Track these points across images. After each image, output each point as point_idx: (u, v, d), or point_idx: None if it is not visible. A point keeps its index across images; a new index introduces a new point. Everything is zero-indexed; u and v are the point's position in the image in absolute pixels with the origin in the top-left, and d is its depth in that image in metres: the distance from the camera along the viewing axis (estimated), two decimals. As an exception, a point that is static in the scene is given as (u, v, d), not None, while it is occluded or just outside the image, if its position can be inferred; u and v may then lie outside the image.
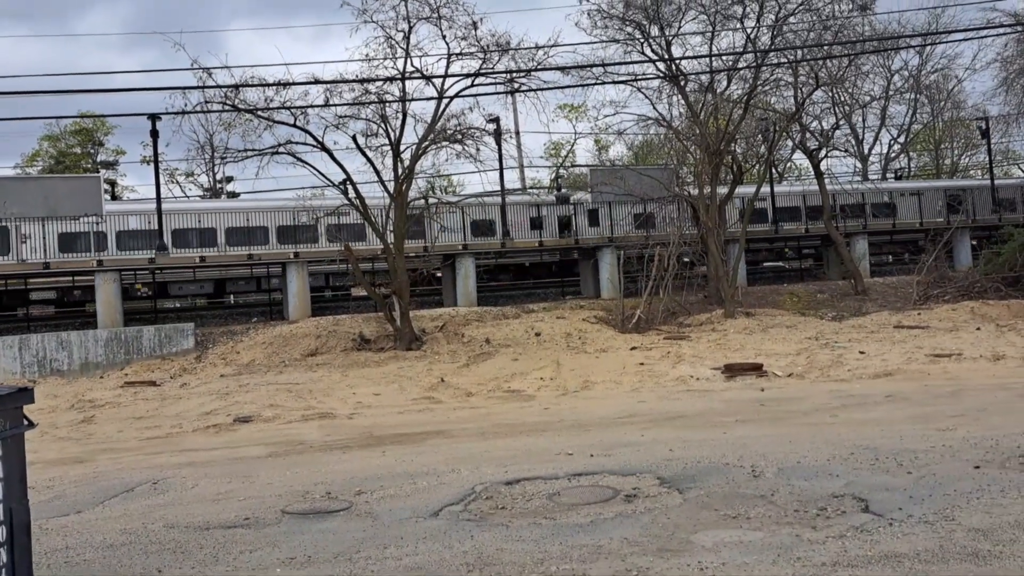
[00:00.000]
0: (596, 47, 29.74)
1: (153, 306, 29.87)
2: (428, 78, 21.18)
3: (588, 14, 24.91)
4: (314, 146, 20.80)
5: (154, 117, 23.26)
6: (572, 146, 53.23)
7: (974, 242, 34.25)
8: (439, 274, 29.26)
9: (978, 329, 19.35)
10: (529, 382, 16.15)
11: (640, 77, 25.76)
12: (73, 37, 73.92)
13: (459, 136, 21.54)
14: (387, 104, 21.03)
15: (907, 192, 34.62)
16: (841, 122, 31.86)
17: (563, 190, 31.93)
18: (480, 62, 21.20)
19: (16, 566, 4.25)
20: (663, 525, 6.10)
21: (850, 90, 29.08)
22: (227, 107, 20.48)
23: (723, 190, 26.97)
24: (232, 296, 32.82)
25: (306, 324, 22.85)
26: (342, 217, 23.46)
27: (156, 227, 24.41)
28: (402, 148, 21.40)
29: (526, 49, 21.41)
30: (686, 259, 24.33)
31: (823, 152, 30.61)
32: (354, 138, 21.07)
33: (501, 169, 27.48)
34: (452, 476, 8.13)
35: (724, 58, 26.54)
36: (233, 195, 43.23)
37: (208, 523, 6.94)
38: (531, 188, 45.32)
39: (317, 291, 29.98)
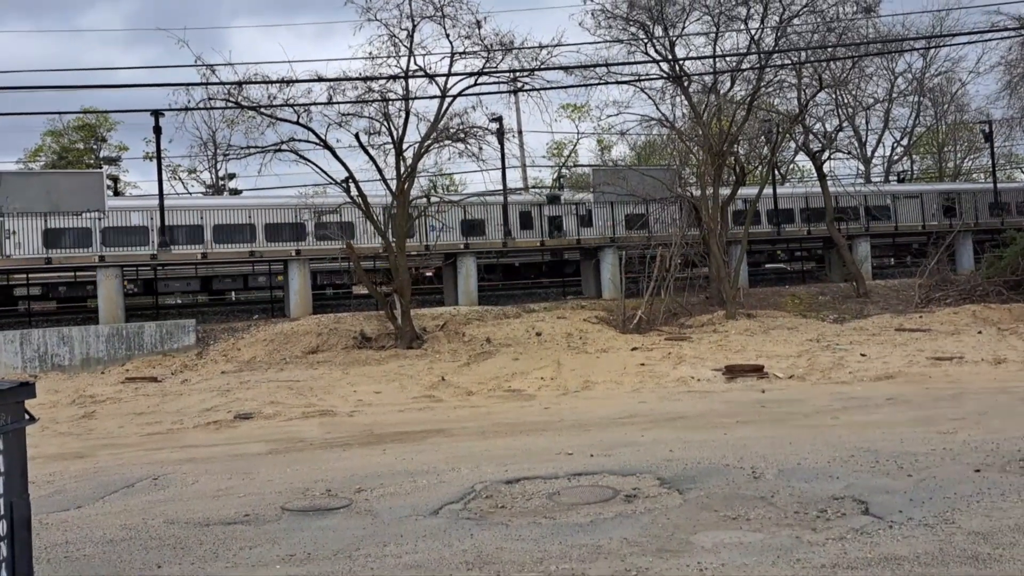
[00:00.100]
0: (600, 47, 29.85)
1: (155, 302, 29.90)
2: (431, 77, 21.19)
3: (592, 14, 24.92)
4: (317, 144, 20.82)
5: (157, 113, 23.27)
6: (575, 146, 53.31)
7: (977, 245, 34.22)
8: (429, 273, 29.25)
9: (979, 333, 19.34)
10: (530, 382, 16.15)
11: (643, 77, 25.76)
12: (76, 33, 74.02)
13: (462, 135, 21.55)
14: (390, 102, 21.03)
15: (909, 195, 34.59)
16: (844, 124, 31.81)
17: (553, 191, 31.84)
18: (483, 61, 21.24)
19: (16, 560, 4.25)
20: (663, 525, 6.10)
21: (853, 92, 29.07)
22: (230, 104, 20.48)
23: (725, 191, 26.96)
24: (225, 294, 32.91)
25: (307, 322, 22.87)
26: (332, 216, 23.50)
27: (158, 223, 24.45)
28: (405, 146, 21.41)
29: (530, 48, 21.44)
30: (677, 260, 24.26)
31: (826, 154, 30.59)
32: (357, 136, 21.09)
33: (504, 168, 27.48)
34: (452, 475, 8.13)
35: (728, 59, 26.52)
36: (235, 192, 43.22)
37: (208, 519, 6.94)
38: (533, 188, 45.32)
39: (319, 289, 30.03)
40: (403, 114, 21.13)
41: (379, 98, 20.85)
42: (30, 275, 27.75)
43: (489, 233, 27.14)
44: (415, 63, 20.82)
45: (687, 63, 25.73)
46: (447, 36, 20.73)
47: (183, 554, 6.02)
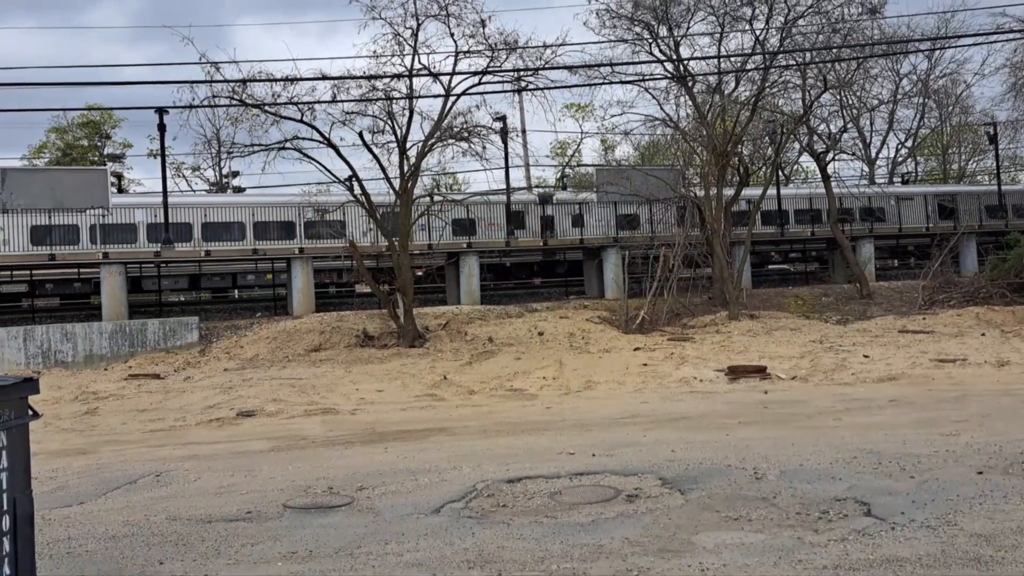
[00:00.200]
0: (604, 47, 29.77)
1: (158, 299, 29.97)
2: (435, 75, 21.19)
3: (596, 13, 24.91)
4: (320, 142, 20.84)
5: (161, 111, 23.29)
6: (578, 145, 53.21)
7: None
8: (420, 273, 29.18)
9: (983, 335, 19.31)
10: (532, 381, 16.15)
11: (648, 77, 25.74)
12: (81, 30, 74.11)
13: (465, 134, 21.56)
14: (394, 101, 21.05)
15: (913, 196, 34.51)
16: (849, 125, 31.78)
17: (545, 191, 31.75)
18: (488, 60, 21.25)
19: (19, 556, 4.26)
20: (664, 526, 6.10)
21: (858, 93, 29.04)
22: (234, 102, 20.51)
23: (729, 192, 26.93)
24: (217, 292, 32.98)
25: (310, 320, 22.89)
26: (335, 214, 23.51)
27: (161, 220, 24.48)
28: (408, 145, 21.43)
29: (534, 48, 21.44)
30: (679, 260, 24.22)
31: (830, 155, 30.54)
32: (360, 135, 21.11)
33: (507, 168, 27.48)
34: (454, 473, 8.13)
35: (732, 59, 26.49)
36: (239, 190, 43.28)
37: (210, 516, 6.95)
38: (537, 187, 45.29)
39: (322, 287, 30.07)
40: (407, 113, 21.15)
41: (383, 97, 20.87)
42: (33, 271, 27.83)
43: (480, 233, 26.96)
44: (419, 62, 20.87)
45: (691, 63, 25.72)
46: (451, 35, 20.77)
47: (185, 551, 6.03)
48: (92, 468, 9.67)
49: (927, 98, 45.42)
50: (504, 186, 27.65)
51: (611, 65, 24.62)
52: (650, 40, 25.18)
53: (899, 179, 46.31)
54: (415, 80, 21.11)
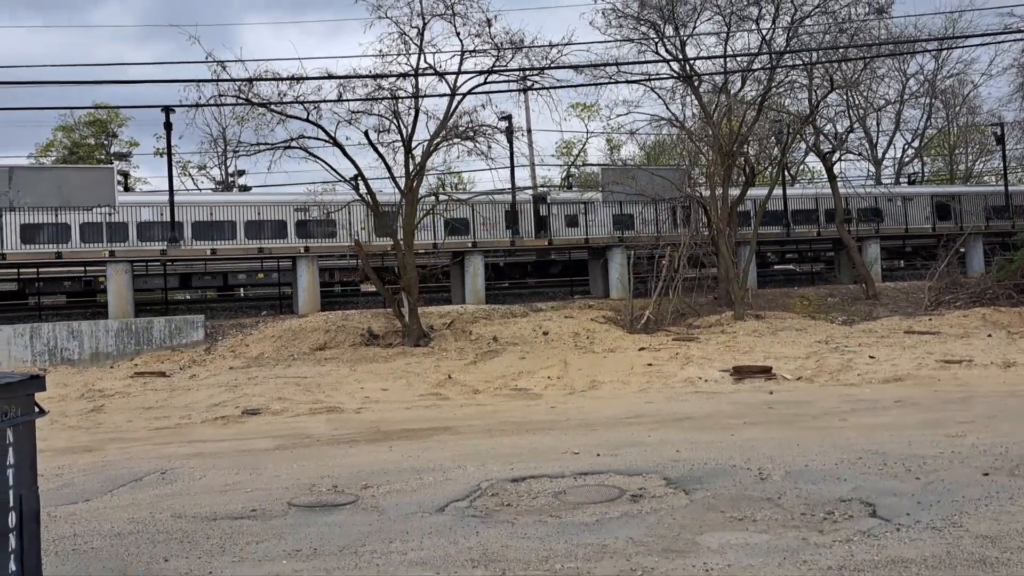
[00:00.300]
0: (610, 46, 29.79)
1: (164, 297, 30.04)
2: (441, 75, 21.21)
3: (603, 13, 24.89)
4: (326, 141, 20.87)
5: (168, 109, 23.35)
6: (584, 145, 53.11)
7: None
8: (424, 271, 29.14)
9: (989, 336, 19.25)
10: (536, 381, 16.15)
11: (654, 77, 25.72)
12: (88, 28, 74.35)
13: (471, 133, 21.56)
14: (400, 100, 21.07)
15: (919, 197, 34.41)
16: (855, 125, 31.69)
17: (540, 191, 31.68)
18: (493, 59, 21.25)
19: (25, 552, 4.27)
20: (668, 526, 6.09)
21: (865, 93, 28.97)
22: (240, 101, 20.55)
23: (735, 192, 26.89)
24: (225, 291, 33.12)
25: (315, 318, 22.92)
26: (312, 212, 23.56)
27: (167, 219, 24.54)
28: (414, 144, 21.44)
29: (540, 47, 21.44)
30: (685, 260, 24.17)
31: (836, 155, 30.45)
32: (366, 134, 21.14)
33: (512, 167, 27.44)
34: (458, 472, 8.14)
35: (738, 59, 26.46)
36: (245, 188, 43.37)
37: (215, 514, 6.97)
38: (542, 187, 45.26)
39: (327, 286, 30.13)
40: (413, 112, 21.18)
41: (389, 96, 20.90)
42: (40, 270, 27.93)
43: (473, 233, 26.86)
44: (425, 61, 20.89)
45: (698, 63, 25.69)
46: (457, 34, 20.78)
47: (190, 548, 6.04)
48: (98, 465, 9.70)
49: (934, 98, 45.22)
50: (506, 185, 27.66)
51: (617, 64, 24.62)
52: (656, 40, 25.17)
53: (905, 179, 46.20)
54: (421, 79, 21.16)
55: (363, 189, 21.68)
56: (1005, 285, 24.66)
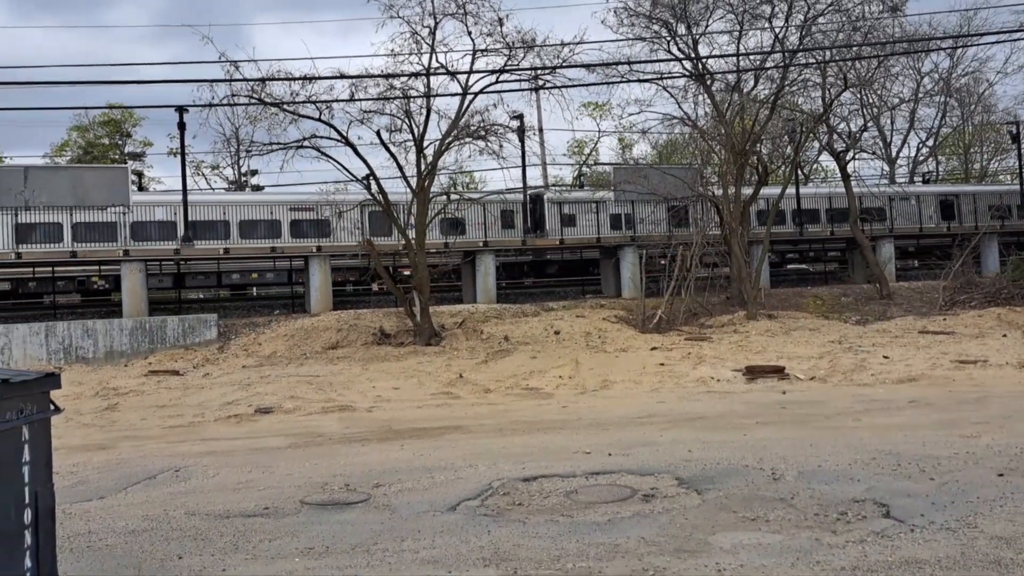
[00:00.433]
0: (622, 45, 29.75)
1: (177, 296, 30.21)
2: (453, 74, 21.21)
3: (615, 12, 24.87)
4: (338, 141, 20.91)
5: (181, 109, 23.46)
6: (596, 144, 53.02)
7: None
8: (407, 272, 29.14)
9: (1004, 336, 19.09)
10: (547, 380, 16.14)
11: (666, 76, 25.63)
12: (102, 29, 74.84)
13: (483, 132, 21.56)
14: (411, 99, 21.09)
15: (933, 195, 34.17)
16: (869, 124, 31.48)
17: (537, 190, 31.54)
18: (505, 59, 21.23)
19: (40, 549, 4.31)
20: (681, 525, 6.08)
21: (879, 92, 28.76)
22: (253, 101, 20.63)
23: (748, 191, 26.78)
24: (221, 291, 33.30)
25: (327, 317, 23.00)
26: (308, 212, 23.56)
27: (180, 218, 24.66)
28: (425, 144, 21.47)
29: (551, 46, 21.40)
30: (697, 260, 24.07)
31: (850, 154, 30.27)
32: (378, 133, 21.17)
33: (524, 166, 27.43)
34: (469, 471, 8.15)
35: (751, 58, 26.34)
36: (257, 188, 43.54)
37: (228, 512, 7.01)
38: (553, 186, 45.20)
39: (339, 285, 30.21)
40: (424, 111, 21.19)
41: (401, 95, 20.92)
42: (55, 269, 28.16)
43: (469, 233, 26.76)
44: (437, 60, 20.90)
45: (710, 61, 25.60)
46: (469, 33, 20.78)
47: (203, 545, 6.08)
48: (112, 463, 9.77)
49: (949, 97, 44.86)
50: (518, 185, 27.59)
51: (629, 63, 24.54)
52: (668, 38, 25.10)
53: (920, 178, 45.88)
54: (432, 79, 21.16)
55: (375, 188, 21.72)
56: (1020, 285, 24.46)
